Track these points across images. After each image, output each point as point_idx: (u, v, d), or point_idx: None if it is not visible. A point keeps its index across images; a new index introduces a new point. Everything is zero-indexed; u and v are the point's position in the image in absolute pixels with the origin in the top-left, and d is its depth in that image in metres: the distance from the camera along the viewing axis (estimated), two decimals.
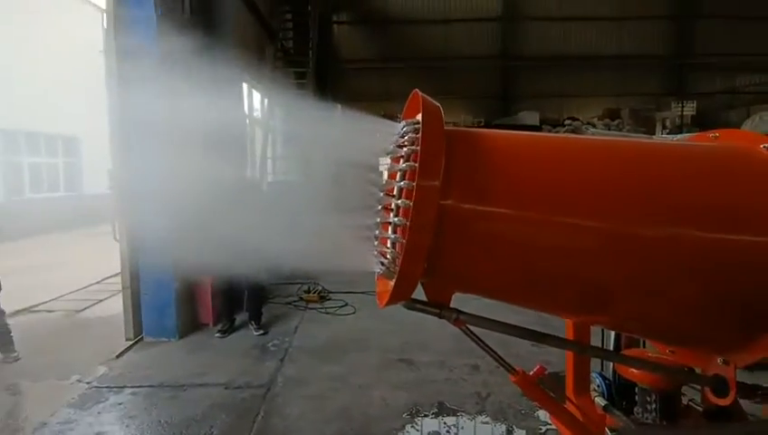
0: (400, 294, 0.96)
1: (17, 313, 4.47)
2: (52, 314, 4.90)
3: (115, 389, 3.16)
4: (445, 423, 2.76)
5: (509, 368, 1.18)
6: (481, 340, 1.16)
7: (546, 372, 1.24)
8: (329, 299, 5.13)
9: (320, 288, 5.28)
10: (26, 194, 11.49)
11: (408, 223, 0.87)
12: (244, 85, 6.89)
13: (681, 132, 10.21)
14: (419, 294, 1.00)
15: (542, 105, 13.37)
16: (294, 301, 5.06)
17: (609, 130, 11.49)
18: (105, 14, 4.45)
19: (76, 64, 11.87)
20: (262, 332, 4.18)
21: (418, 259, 0.89)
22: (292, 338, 4.09)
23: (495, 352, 1.18)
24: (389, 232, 0.97)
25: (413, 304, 1.03)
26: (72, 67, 11.77)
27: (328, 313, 4.78)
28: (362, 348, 3.82)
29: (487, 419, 2.79)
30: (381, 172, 1.08)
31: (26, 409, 3.03)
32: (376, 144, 1.08)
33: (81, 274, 6.21)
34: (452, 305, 1.04)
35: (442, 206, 0.88)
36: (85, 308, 5.08)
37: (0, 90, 9.97)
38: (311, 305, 4.97)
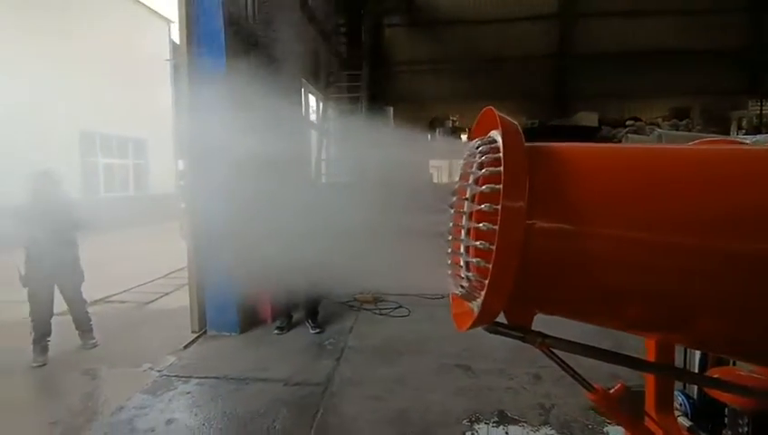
0: (485, 319, 0.93)
1: (95, 302, 4.80)
2: (124, 304, 5.24)
3: (183, 378, 3.32)
4: (507, 433, 2.67)
5: (587, 385, 1.11)
6: (562, 360, 1.11)
7: (629, 389, 1.16)
8: (382, 300, 5.14)
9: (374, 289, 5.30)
10: (101, 193, 12.40)
11: (493, 247, 0.84)
12: (302, 90, 7.06)
13: (760, 133, 9.42)
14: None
15: (601, 105, 12.77)
16: (348, 301, 5.11)
17: (678, 130, 10.78)
18: (174, 26, 4.69)
19: (143, 72, 12.74)
20: (318, 330, 4.25)
21: (505, 284, 0.85)
22: (347, 338, 4.12)
23: (575, 371, 1.12)
24: (468, 254, 0.94)
25: (496, 328, 1.00)
26: (139, 74, 12.63)
27: (382, 314, 4.79)
28: (418, 351, 3.78)
29: (552, 431, 2.67)
30: (431, 175, 1.05)
31: (104, 393, 3.25)
32: (423, 150, 1.05)
33: (149, 268, 6.59)
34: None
35: (526, 227, 0.84)
36: (153, 300, 5.39)
37: (78, 95, 10.83)
38: (365, 306, 5.00)
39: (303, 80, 6.77)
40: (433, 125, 12.13)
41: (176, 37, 4.39)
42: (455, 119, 12.62)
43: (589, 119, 12.23)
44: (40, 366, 3.59)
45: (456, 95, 12.45)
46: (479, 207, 0.90)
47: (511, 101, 12.81)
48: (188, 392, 3.13)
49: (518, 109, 13.02)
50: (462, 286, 0.96)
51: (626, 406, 1.14)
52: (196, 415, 2.86)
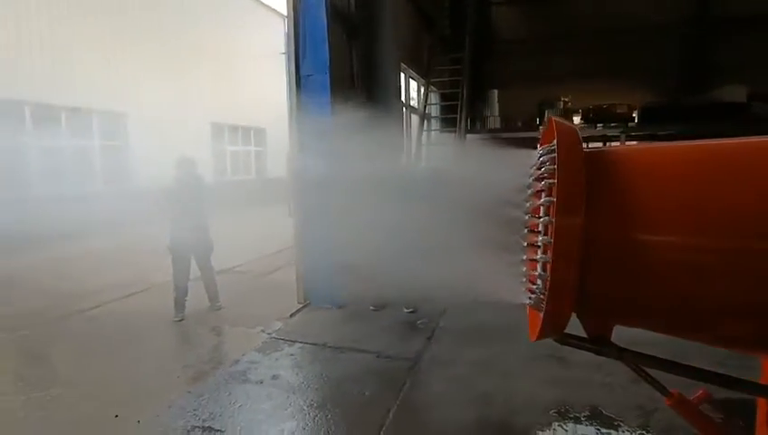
0: (550, 331, 0.93)
1: (221, 272, 5.52)
2: (243, 275, 5.95)
3: (288, 341, 3.72)
4: (599, 430, 2.55)
5: (663, 390, 1.05)
6: (637, 364, 1.06)
7: (712, 398, 1.08)
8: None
9: None
10: (228, 176, 14.00)
11: (551, 260, 0.84)
12: (402, 74, 7.17)
13: None
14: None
15: (751, 77, 10.85)
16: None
17: None
18: (286, 20, 5.08)
19: (262, 65, 13.96)
20: (411, 310, 4.40)
21: (564, 297, 0.85)
22: (439, 319, 4.22)
23: (650, 375, 1.06)
24: (536, 265, 0.94)
25: (566, 340, 0.99)
26: (261, 67, 13.85)
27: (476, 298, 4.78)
28: (510, 338, 3.72)
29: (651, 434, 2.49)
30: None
31: (225, 347, 3.79)
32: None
33: (266, 244, 7.34)
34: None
35: (589, 235, 0.83)
36: (268, 273, 6.03)
37: (208, 90, 12.27)
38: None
39: (404, 65, 6.88)
40: (541, 108, 11.34)
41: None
42: (567, 100, 11.63)
43: (735, 94, 10.48)
44: (179, 321, 4.29)
45: (568, 75, 11.43)
46: (538, 220, 0.91)
47: (633, 78, 11.52)
48: (292, 354, 3.52)
49: (643, 86, 11.66)
50: (530, 297, 0.97)
51: (711, 413, 1.06)
52: (297, 374, 3.21)
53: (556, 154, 0.85)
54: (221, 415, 2.70)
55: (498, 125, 10.67)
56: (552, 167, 0.87)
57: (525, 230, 0.98)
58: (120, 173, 10.28)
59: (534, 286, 0.92)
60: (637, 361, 1.00)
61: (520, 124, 10.16)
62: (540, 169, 0.92)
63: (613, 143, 11.03)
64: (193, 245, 4.34)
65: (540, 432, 2.53)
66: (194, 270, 4.46)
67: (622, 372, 3.10)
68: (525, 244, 0.98)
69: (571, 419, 2.64)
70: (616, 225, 0.86)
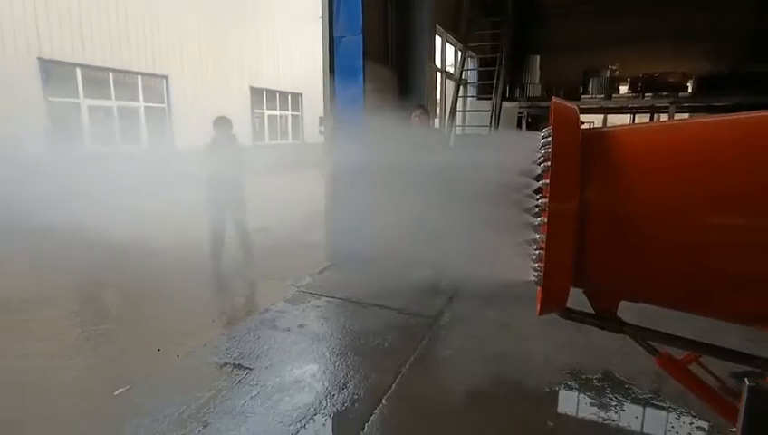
0: (549, 306, 0.98)
1: (255, 230, 5.77)
2: (276, 233, 6.18)
3: (315, 295, 3.92)
4: (609, 390, 2.61)
5: (652, 350, 1.09)
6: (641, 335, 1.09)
7: (699, 359, 1.10)
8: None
9: None
10: (266, 140, 14.29)
11: (544, 240, 0.88)
12: (438, 38, 7.02)
13: None
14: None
15: None
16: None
17: None
18: None
19: (300, 29, 13.90)
20: (436, 271, 4.49)
21: (559, 275, 0.89)
22: (463, 281, 4.29)
23: (646, 342, 1.10)
24: (536, 244, 0.98)
25: (569, 314, 1.04)
26: (297, 31, 13.81)
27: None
28: (530, 303, 3.76)
29: (662, 400, 2.52)
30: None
31: (258, 297, 4.05)
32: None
33: (297, 205, 7.56)
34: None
35: (589, 214, 0.86)
36: (300, 233, 6.25)
37: (248, 54, 12.39)
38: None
39: (441, 28, 6.72)
40: (587, 76, 10.73)
41: None
42: (614, 67, 10.96)
43: None
44: (216, 273, 4.57)
45: (617, 40, 10.71)
46: (536, 202, 0.95)
47: (691, 44, 10.71)
48: (318, 306, 3.71)
49: (701, 53, 10.86)
50: (534, 274, 1.03)
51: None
52: (322, 324, 3.41)
53: (552, 138, 0.89)
54: (250, 355, 2.93)
55: (538, 93, 10.30)
56: (549, 150, 0.90)
57: (533, 211, 1.03)
58: (162, 133, 10.72)
59: (538, 265, 0.98)
60: (639, 334, 1.04)
61: (562, 93, 9.73)
62: (542, 151, 0.96)
63: (662, 116, 10.43)
64: (228, 200, 4.55)
65: (550, 389, 2.61)
66: (230, 227, 4.70)
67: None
68: (533, 224, 1.03)
69: (582, 380, 2.71)
70: (616, 203, 0.89)
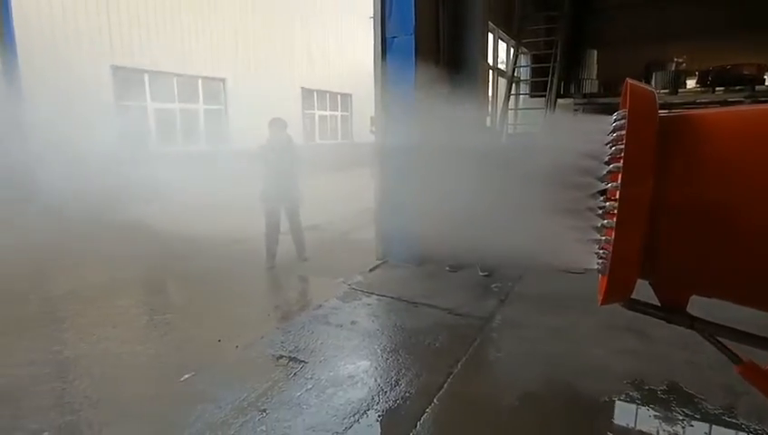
0: (613, 296, 0.94)
1: (307, 228, 5.93)
2: (328, 231, 6.33)
3: (366, 293, 3.98)
4: (674, 403, 2.46)
5: (734, 358, 1.02)
6: (716, 338, 1.03)
7: None
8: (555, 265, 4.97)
9: None
10: (316, 140, 14.62)
11: (614, 226, 0.84)
12: (490, 35, 6.89)
13: None
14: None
15: None
16: None
17: None
18: None
19: (350, 30, 14.11)
20: (486, 274, 4.44)
21: (627, 263, 0.85)
22: (514, 284, 4.21)
23: (721, 343, 1.04)
24: (602, 230, 0.95)
25: (633, 305, 1.00)
26: (347, 32, 14.03)
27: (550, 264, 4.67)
28: (586, 308, 3.64)
29: (734, 417, 2.36)
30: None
31: (310, 293, 4.17)
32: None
33: (350, 204, 7.69)
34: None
35: (664, 202, 0.82)
36: (350, 231, 6.37)
37: (298, 56, 12.72)
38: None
39: (492, 25, 6.59)
40: (649, 70, 10.09)
41: None
42: (680, 60, 10.25)
43: None
44: (270, 268, 4.75)
45: (683, 31, 10.02)
46: (606, 186, 0.92)
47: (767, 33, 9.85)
48: (369, 304, 3.77)
49: None
50: (598, 262, 0.99)
51: None
52: (373, 322, 3.46)
53: (626, 120, 0.86)
54: (305, 349, 3.02)
55: (595, 89, 9.87)
56: (623, 133, 0.87)
57: (600, 197, 1.00)
58: (221, 134, 11.25)
59: (603, 252, 0.95)
60: (709, 330, 0.99)
61: (621, 89, 9.22)
62: (614, 134, 0.92)
63: None
64: (283, 199, 4.71)
65: (608, 398, 2.51)
66: (284, 224, 4.86)
67: (713, 352, 2.91)
68: (600, 210, 1.00)
69: (645, 390, 2.58)
70: (695, 192, 0.84)
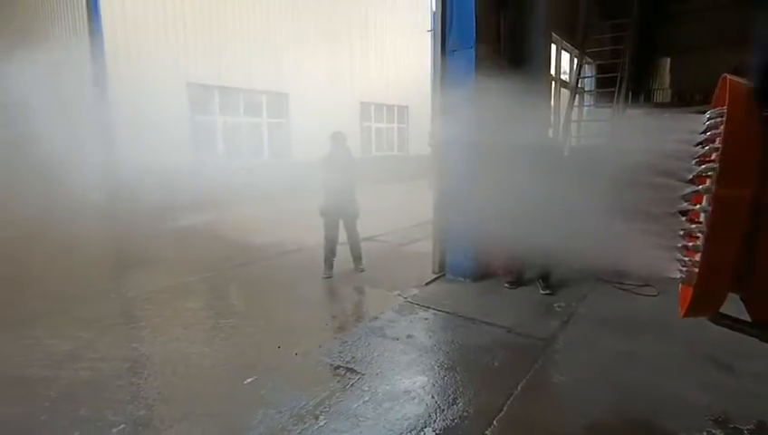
0: (700, 308, 0.88)
1: (364, 239, 6.00)
2: (384, 243, 6.37)
3: (423, 307, 3.95)
4: None
5: None
6: None
7: None
8: (627, 275, 4.69)
9: None
10: (373, 151, 14.85)
11: (706, 232, 0.78)
12: (553, 45, 6.70)
13: None
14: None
15: None
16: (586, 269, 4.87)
17: None
18: None
19: (407, 43, 14.28)
20: (548, 292, 4.26)
21: (720, 273, 0.79)
22: (579, 304, 4.01)
23: None
24: (687, 236, 0.88)
25: (721, 320, 0.93)
26: (404, 45, 14.21)
27: (624, 289, 4.40)
28: (662, 334, 3.39)
29: None
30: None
31: (366, 304, 4.20)
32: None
33: (406, 217, 7.71)
34: None
35: (760, 205, 0.75)
36: (407, 244, 6.37)
37: (358, 69, 13.03)
38: (605, 277, 4.67)
39: (555, 35, 6.41)
40: (738, 75, 9.28)
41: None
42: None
43: None
44: (328, 278, 4.84)
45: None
46: (696, 189, 0.85)
47: None
48: (426, 319, 3.73)
49: None
50: (681, 270, 0.92)
51: None
52: (429, 337, 3.42)
53: (725, 117, 0.80)
54: (361, 361, 3.03)
55: (668, 99, 9.29)
56: (719, 131, 0.81)
57: (684, 200, 0.93)
58: (283, 147, 11.72)
59: (688, 260, 0.88)
60: None
61: (699, 98, 8.63)
62: (706, 133, 0.86)
63: None
64: (342, 210, 4.81)
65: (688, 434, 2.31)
66: (341, 235, 4.95)
67: None
68: (683, 215, 0.93)
69: (729, 429, 2.34)
70: None
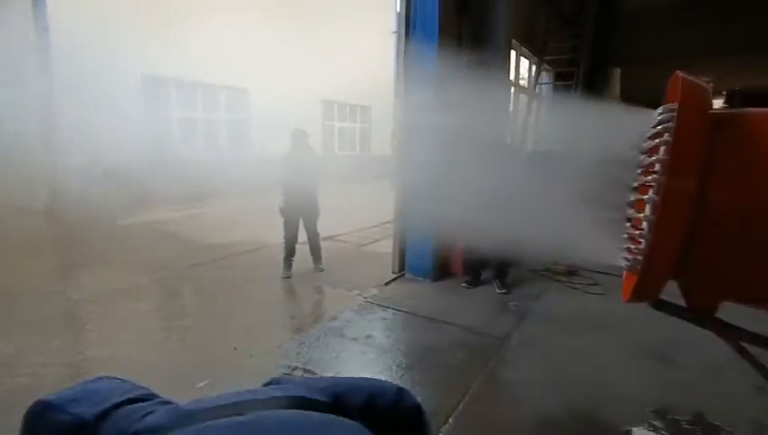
0: (642, 294, 0.91)
1: (324, 239, 5.95)
2: (345, 243, 6.34)
3: (382, 307, 3.95)
4: None
5: None
6: (754, 358, 1.00)
7: None
8: (577, 274, 4.89)
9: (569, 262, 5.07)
10: (335, 151, 14.74)
11: (654, 220, 0.82)
12: (512, 53, 6.89)
13: None
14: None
15: None
16: (541, 270, 5.03)
17: None
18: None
19: (372, 43, 14.28)
20: (504, 291, 4.37)
21: (663, 260, 0.83)
22: (533, 304, 4.14)
23: (758, 362, 1.00)
24: (634, 225, 0.92)
25: (661, 305, 0.97)
26: (369, 45, 14.22)
27: (575, 288, 4.58)
28: (608, 331, 3.55)
29: None
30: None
31: (326, 305, 4.15)
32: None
33: (367, 217, 7.70)
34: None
35: (708, 201, 0.79)
36: (367, 244, 6.36)
37: (321, 69, 12.93)
38: (557, 277, 4.85)
39: (515, 42, 6.60)
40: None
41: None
42: (708, 79, 10.06)
43: None
44: (287, 278, 4.76)
45: (711, 50, 9.86)
46: (645, 179, 0.89)
47: None
48: (385, 318, 3.73)
49: None
50: (626, 258, 0.96)
51: None
52: (388, 336, 3.42)
53: (677, 111, 0.83)
54: (319, 362, 3.00)
55: None
56: (671, 125, 0.84)
57: (632, 190, 0.96)
58: (242, 144, 11.43)
59: (634, 247, 0.92)
60: (742, 339, 0.95)
61: (645, 107, 9.08)
62: (658, 126, 0.90)
63: None
64: (302, 209, 4.74)
65: (630, 427, 2.42)
66: (301, 234, 4.88)
67: (742, 383, 2.80)
68: (630, 204, 0.96)
69: (669, 420, 2.48)
70: (745, 193, 0.81)
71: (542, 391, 2.73)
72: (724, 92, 9.42)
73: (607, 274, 4.65)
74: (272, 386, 0.77)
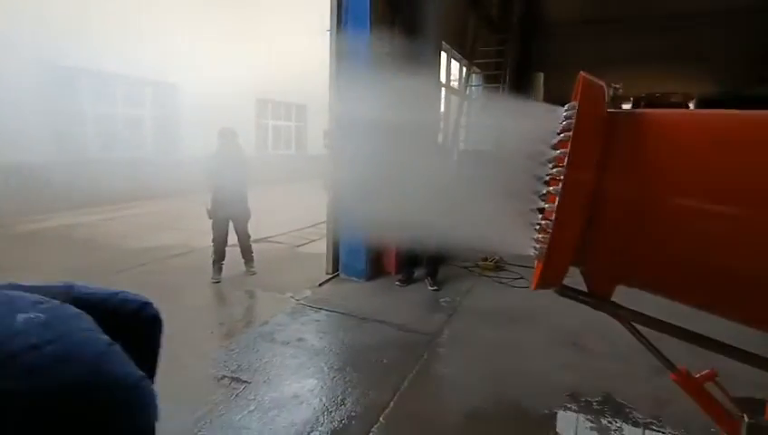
0: (547, 281, 0.97)
1: (257, 240, 5.77)
2: (278, 245, 6.19)
3: (315, 308, 3.91)
4: (607, 413, 2.58)
5: (670, 366, 1.08)
6: (643, 336, 1.09)
7: (717, 378, 1.10)
8: (504, 269, 5.13)
9: (497, 257, 5.31)
10: (269, 150, 14.35)
11: (555, 211, 0.87)
12: (443, 55, 7.08)
13: None
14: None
15: None
16: (470, 266, 5.23)
17: None
18: None
19: (307, 42, 14.06)
20: (436, 288, 4.49)
21: (564, 248, 0.88)
22: (462, 299, 4.29)
23: (657, 350, 1.10)
24: (541, 215, 0.97)
25: (564, 291, 1.04)
26: (304, 44, 13.98)
27: (502, 283, 4.81)
28: (531, 323, 3.76)
29: (662, 426, 2.50)
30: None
31: (257, 309, 4.03)
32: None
33: (301, 218, 7.57)
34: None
35: (600, 192, 0.86)
36: (300, 245, 6.26)
37: (255, 67, 12.53)
38: (486, 273, 5.06)
39: (446, 44, 6.79)
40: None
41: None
42: (617, 86, 10.97)
43: None
44: (216, 282, 4.56)
45: (622, 59, 10.80)
46: (551, 172, 0.95)
47: (693, 66, 10.81)
48: (318, 320, 3.70)
49: (702, 75, 10.95)
50: (535, 247, 1.02)
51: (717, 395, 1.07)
52: (320, 338, 3.39)
53: (576, 108, 0.88)
54: (248, 368, 2.91)
55: None
56: (572, 121, 0.90)
57: (543, 183, 1.01)
58: (169, 142, 10.79)
59: (542, 237, 0.97)
60: (633, 319, 1.03)
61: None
62: (563, 122, 0.95)
63: None
64: (232, 211, 4.56)
65: (549, 411, 2.59)
66: (232, 237, 4.70)
67: (645, 364, 3.08)
68: (541, 196, 1.01)
69: (582, 402, 2.68)
70: (635, 186, 0.88)
71: (470, 384, 2.84)
72: (631, 98, 10.30)
73: (532, 268, 4.92)
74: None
